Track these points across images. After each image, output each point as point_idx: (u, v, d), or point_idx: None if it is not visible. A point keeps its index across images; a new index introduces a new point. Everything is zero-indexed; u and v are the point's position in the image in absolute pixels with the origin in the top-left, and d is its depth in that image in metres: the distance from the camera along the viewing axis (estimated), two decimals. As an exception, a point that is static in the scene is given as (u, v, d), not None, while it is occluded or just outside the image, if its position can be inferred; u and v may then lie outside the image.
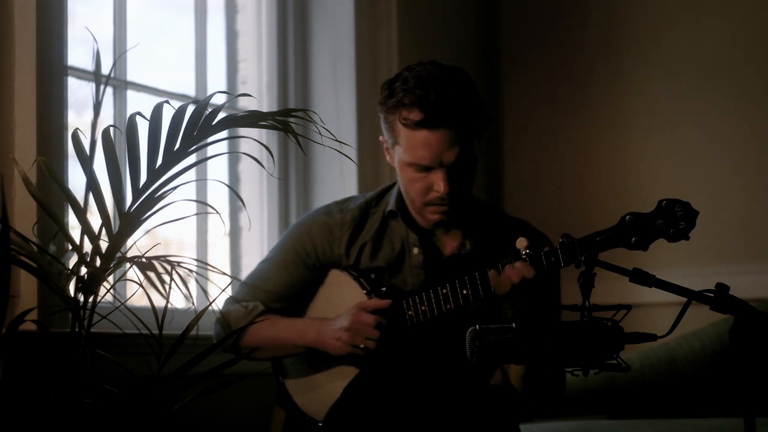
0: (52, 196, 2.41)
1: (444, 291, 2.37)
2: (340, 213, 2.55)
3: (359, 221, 2.53)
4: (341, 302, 2.49)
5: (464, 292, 2.35)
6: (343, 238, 2.53)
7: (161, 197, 2.17)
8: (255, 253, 3.37)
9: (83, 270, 2.15)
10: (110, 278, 2.27)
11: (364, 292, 2.47)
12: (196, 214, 3.11)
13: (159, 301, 2.10)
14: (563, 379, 2.47)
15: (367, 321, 2.41)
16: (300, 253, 2.55)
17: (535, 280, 2.26)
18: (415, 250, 2.48)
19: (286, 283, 2.57)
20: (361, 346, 2.41)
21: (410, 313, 2.43)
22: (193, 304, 2.19)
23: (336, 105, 3.47)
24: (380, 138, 2.47)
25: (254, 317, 2.53)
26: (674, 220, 2.14)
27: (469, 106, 2.35)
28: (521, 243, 2.22)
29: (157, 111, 2.17)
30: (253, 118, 2.19)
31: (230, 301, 2.60)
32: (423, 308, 2.41)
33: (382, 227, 2.52)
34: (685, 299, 1.83)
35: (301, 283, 2.57)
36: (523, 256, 2.22)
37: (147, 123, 2.16)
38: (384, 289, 2.47)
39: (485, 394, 2.40)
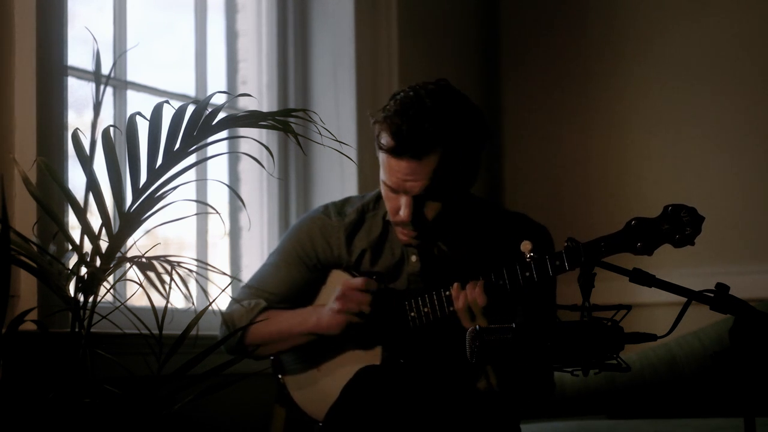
0: (52, 196, 2.41)
1: (447, 293, 2.37)
2: (338, 216, 2.55)
3: (356, 224, 2.54)
4: (342, 302, 2.49)
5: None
6: (341, 239, 2.53)
7: (161, 197, 2.17)
8: (255, 253, 3.37)
9: (83, 270, 2.15)
10: (110, 278, 2.27)
11: (365, 292, 2.48)
12: (196, 214, 3.11)
13: (159, 301, 2.10)
14: (550, 376, 2.47)
15: (356, 285, 2.42)
16: (300, 254, 2.56)
17: (536, 284, 2.26)
18: (413, 258, 2.48)
19: (288, 285, 2.57)
20: (355, 310, 2.41)
21: (412, 314, 2.43)
22: (193, 304, 2.19)
23: (336, 105, 3.47)
24: None
25: (256, 314, 2.54)
26: (680, 225, 2.12)
27: (444, 143, 2.30)
28: (525, 246, 2.17)
29: (157, 111, 2.17)
30: (253, 118, 2.19)
31: (233, 302, 2.61)
32: (426, 310, 2.41)
33: (383, 233, 2.52)
34: (685, 299, 1.83)
35: (303, 283, 2.58)
36: (528, 260, 2.21)
37: (147, 123, 2.16)
38: (383, 287, 2.47)
39: (486, 395, 2.40)
